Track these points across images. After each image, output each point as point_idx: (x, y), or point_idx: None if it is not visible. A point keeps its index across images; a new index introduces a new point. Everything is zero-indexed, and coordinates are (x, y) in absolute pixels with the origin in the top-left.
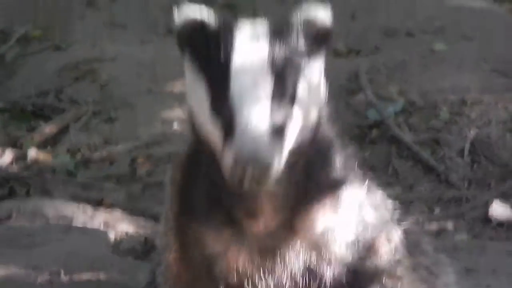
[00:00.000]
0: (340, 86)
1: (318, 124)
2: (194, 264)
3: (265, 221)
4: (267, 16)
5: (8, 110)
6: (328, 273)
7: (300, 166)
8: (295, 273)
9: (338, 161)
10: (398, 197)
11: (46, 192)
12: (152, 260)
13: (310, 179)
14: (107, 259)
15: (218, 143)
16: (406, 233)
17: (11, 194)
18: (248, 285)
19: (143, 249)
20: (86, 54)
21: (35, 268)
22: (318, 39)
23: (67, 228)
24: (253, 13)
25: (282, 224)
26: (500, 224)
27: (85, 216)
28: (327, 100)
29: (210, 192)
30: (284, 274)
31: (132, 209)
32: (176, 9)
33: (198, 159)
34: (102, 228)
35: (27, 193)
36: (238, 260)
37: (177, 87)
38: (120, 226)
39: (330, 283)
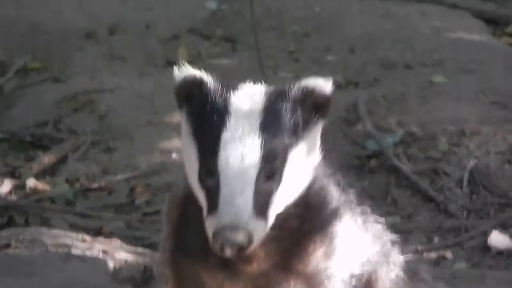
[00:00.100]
0: (339, 117)
1: (313, 181)
2: None
3: (258, 263)
4: (266, 50)
5: (6, 140)
6: None
7: (293, 216)
8: None
9: (333, 202)
10: (397, 226)
11: (45, 221)
12: None
13: (304, 223)
14: None
15: (204, 208)
16: (405, 262)
17: (10, 223)
18: None
19: (142, 278)
20: (85, 85)
21: None
22: (317, 107)
23: (66, 256)
24: (252, 48)
25: (275, 264)
26: (499, 253)
27: (84, 245)
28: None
29: (204, 236)
30: None
31: (131, 238)
32: (176, 68)
33: (193, 204)
34: (101, 256)
35: (26, 222)
36: None
37: (175, 118)
38: (119, 254)
39: None
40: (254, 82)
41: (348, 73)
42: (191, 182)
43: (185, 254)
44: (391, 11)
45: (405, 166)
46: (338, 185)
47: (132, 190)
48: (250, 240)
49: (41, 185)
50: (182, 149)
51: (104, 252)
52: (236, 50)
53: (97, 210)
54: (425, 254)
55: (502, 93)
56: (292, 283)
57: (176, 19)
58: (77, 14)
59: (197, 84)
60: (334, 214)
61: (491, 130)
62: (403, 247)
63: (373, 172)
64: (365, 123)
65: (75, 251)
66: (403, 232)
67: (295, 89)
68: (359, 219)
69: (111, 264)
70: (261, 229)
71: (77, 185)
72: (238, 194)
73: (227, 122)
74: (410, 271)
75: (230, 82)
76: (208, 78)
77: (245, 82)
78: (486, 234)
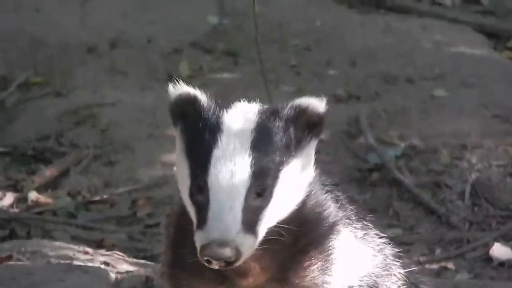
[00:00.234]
0: (341, 131)
1: (308, 197)
2: None
3: (254, 277)
4: (267, 63)
5: (8, 154)
6: None
7: (288, 231)
8: None
9: (330, 217)
10: (399, 238)
11: (47, 233)
12: None
13: (300, 239)
14: None
15: (194, 223)
16: (406, 274)
17: (12, 235)
18: None
19: None
20: (87, 100)
21: None
22: (310, 125)
23: (68, 267)
24: (253, 62)
25: (271, 278)
26: (501, 264)
27: (86, 257)
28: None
29: None
30: None
31: (132, 250)
32: (170, 85)
33: (188, 219)
34: (103, 267)
35: (28, 234)
36: None
37: None
38: (121, 266)
39: None
40: (255, 96)
41: (350, 87)
42: (183, 198)
43: (182, 268)
44: (392, 26)
45: (407, 179)
46: (337, 200)
47: (133, 202)
48: (237, 255)
49: (43, 198)
50: (176, 165)
51: (106, 263)
52: (238, 64)
53: (99, 223)
54: (427, 266)
55: (503, 106)
56: None
57: (177, 33)
58: (78, 28)
59: (191, 101)
60: (331, 229)
61: (492, 143)
62: (405, 259)
63: (375, 185)
64: (366, 136)
65: (76, 263)
66: (405, 244)
67: (288, 107)
68: (359, 233)
69: (113, 275)
70: (249, 244)
71: (79, 198)
72: (226, 210)
73: (219, 140)
74: (412, 283)
75: (224, 100)
76: (202, 96)
77: (246, 96)
78: (488, 245)
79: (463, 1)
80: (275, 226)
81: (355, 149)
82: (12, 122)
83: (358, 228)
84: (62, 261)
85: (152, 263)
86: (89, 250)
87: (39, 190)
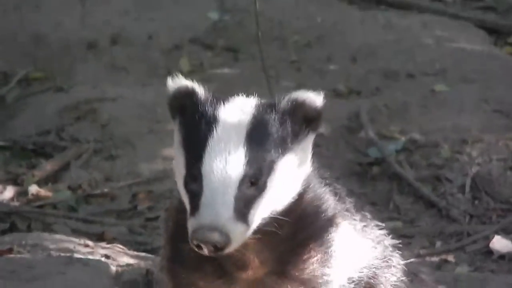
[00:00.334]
0: (341, 125)
1: (305, 190)
2: None
3: (253, 271)
4: (268, 59)
5: (9, 148)
6: None
7: (286, 224)
8: None
9: (329, 210)
10: (400, 231)
11: (47, 227)
12: None
13: (299, 232)
14: None
15: (188, 211)
16: (406, 265)
17: (12, 228)
18: None
19: (144, 281)
20: (87, 95)
21: None
22: (307, 119)
23: (68, 260)
24: (254, 58)
25: (270, 271)
26: (502, 257)
27: (86, 250)
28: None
29: None
30: None
31: (133, 243)
32: (169, 78)
33: (186, 214)
34: (103, 260)
35: (28, 228)
36: None
37: None
38: (122, 259)
39: None
40: (256, 92)
41: (350, 83)
42: (179, 189)
43: (181, 262)
44: (393, 22)
45: (408, 173)
46: (336, 193)
47: (134, 196)
48: (227, 241)
49: (43, 192)
50: (174, 158)
51: (107, 256)
52: (238, 60)
53: (99, 216)
54: (427, 258)
55: (504, 102)
56: (288, 287)
57: (178, 29)
58: (79, 25)
59: (189, 95)
60: (330, 222)
61: (493, 138)
62: (406, 251)
63: (375, 179)
64: (367, 131)
65: (77, 256)
66: (406, 236)
67: (285, 101)
68: (358, 225)
69: (113, 268)
70: (240, 231)
71: (80, 192)
72: (219, 197)
73: (215, 131)
74: (411, 273)
75: (222, 94)
76: (200, 89)
77: (246, 92)
78: (488, 238)
79: None
80: (272, 218)
81: (355, 143)
82: (12, 117)
83: (357, 220)
84: (62, 254)
85: (153, 256)
86: (90, 243)
87: (39, 183)
